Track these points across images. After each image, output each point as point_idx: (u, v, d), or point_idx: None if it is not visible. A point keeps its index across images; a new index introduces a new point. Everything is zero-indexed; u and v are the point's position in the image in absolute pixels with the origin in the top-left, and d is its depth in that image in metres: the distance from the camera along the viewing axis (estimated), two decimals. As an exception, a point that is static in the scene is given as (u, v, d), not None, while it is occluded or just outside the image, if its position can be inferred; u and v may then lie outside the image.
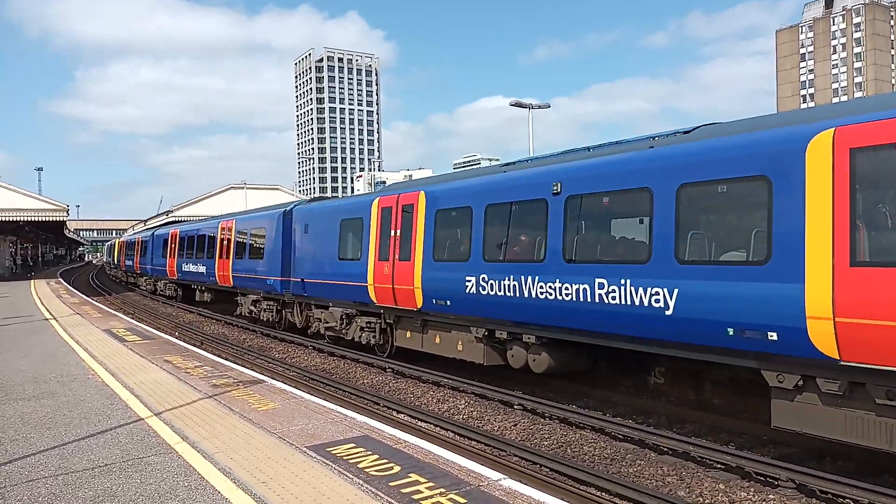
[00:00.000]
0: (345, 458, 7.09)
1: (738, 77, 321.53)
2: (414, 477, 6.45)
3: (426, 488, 6.14)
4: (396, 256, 14.41)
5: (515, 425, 10.76)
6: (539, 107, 37.67)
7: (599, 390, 12.13)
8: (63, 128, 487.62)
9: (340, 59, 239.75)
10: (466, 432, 10.30)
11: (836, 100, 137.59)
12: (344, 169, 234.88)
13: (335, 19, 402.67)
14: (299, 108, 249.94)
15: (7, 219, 44.99)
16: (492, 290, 11.67)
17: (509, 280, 11.29)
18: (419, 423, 11.06)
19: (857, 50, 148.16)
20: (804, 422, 7.53)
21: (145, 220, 77.09)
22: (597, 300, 9.69)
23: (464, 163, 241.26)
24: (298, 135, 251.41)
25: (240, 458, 7.16)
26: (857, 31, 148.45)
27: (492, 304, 11.75)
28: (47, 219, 47.17)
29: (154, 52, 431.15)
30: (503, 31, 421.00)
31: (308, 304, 19.75)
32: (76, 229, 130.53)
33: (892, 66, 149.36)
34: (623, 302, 9.29)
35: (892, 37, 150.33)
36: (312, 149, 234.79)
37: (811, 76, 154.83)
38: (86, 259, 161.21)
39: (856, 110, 7.29)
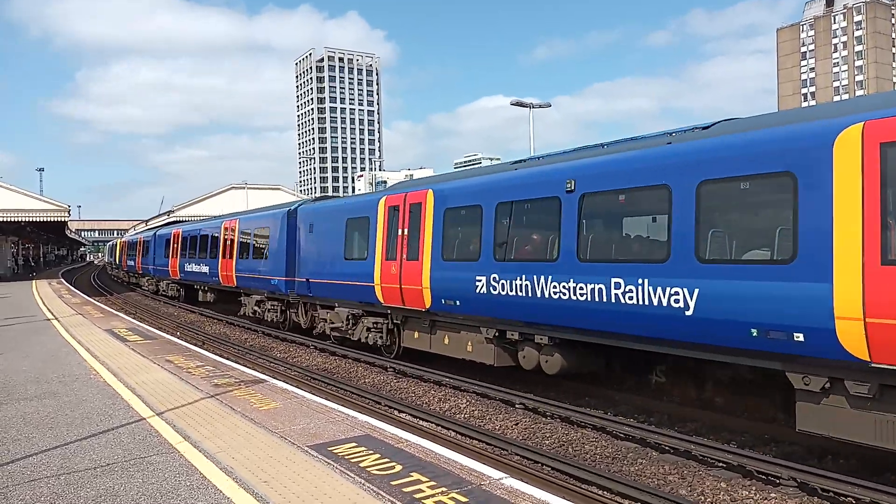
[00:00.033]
0: (346, 457, 7.09)
1: (739, 76, 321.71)
2: (415, 476, 6.45)
3: (428, 487, 6.14)
4: (404, 256, 14.28)
5: (517, 424, 10.76)
6: (540, 106, 37.58)
7: (601, 389, 12.13)
8: (64, 128, 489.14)
9: (341, 59, 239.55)
10: (468, 431, 10.30)
11: (836, 98, 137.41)
12: (345, 169, 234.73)
13: (335, 19, 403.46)
14: (300, 107, 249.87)
15: (8, 219, 45.08)
16: (503, 290, 11.50)
17: (521, 280, 11.11)
18: (421, 422, 11.06)
19: (858, 48, 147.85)
20: (831, 425, 7.27)
21: (146, 220, 77.19)
22: (612, 300, 9.48)
23: (465, 162, 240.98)
24: (299, 135, 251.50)
25: (241, 458, 7.17)
26: (858, 30, 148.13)
27: (503, 304, 11.58)
28: (48, 219, 47.33)
29: (154, 52, 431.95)
30: (504, 31, 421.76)
31: (313, 305, 19.61)
32: (77, 229, 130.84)
33: (894, 65, 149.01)
34: (640, 302, 9.07)
35: (894, 35, 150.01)
36: (313, 149, 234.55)
37: (812, 74, 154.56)
38: (87, 259, 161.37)
39: (886, 104, 7.04)
